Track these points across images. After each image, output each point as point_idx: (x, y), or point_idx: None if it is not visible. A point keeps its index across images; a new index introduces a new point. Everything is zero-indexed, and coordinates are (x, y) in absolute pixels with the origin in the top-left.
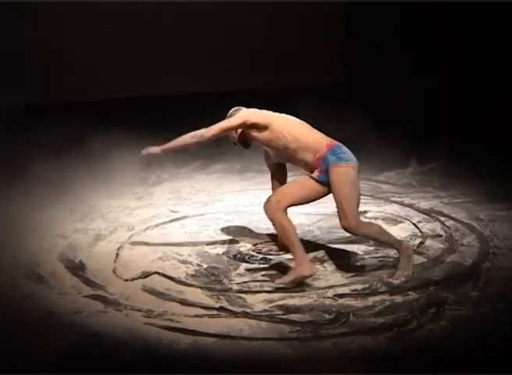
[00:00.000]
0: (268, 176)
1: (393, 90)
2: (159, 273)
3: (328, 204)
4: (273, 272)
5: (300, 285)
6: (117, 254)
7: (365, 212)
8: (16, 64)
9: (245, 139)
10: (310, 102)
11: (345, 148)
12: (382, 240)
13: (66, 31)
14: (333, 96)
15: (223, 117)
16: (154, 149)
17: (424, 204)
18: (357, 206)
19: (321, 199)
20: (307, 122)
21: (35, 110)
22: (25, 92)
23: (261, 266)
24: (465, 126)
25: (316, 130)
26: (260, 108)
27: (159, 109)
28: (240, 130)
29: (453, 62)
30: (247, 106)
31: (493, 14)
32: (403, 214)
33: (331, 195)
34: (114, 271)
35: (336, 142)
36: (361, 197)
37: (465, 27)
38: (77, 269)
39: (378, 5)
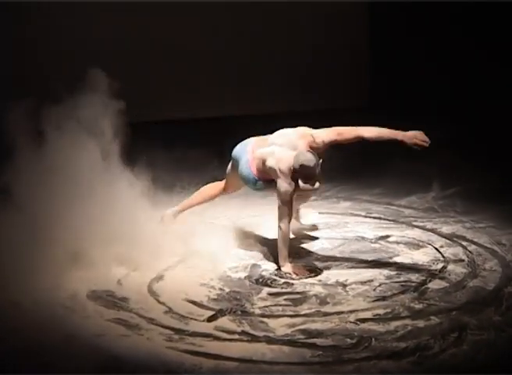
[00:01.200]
0: None
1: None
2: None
3: (350, 228)
4: (295, 296)
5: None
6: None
7: (387, 236)
8: None
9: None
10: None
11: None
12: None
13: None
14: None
15: None
16: None
17: (446, 228)
18: None
19: (344, 224)
20: None
21: None
22: None
23: (283, 290)
24: (488, 149)
25: None
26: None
27: None
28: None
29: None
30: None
31: None
32: (426, 238)
33: (354, 221)
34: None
35: None
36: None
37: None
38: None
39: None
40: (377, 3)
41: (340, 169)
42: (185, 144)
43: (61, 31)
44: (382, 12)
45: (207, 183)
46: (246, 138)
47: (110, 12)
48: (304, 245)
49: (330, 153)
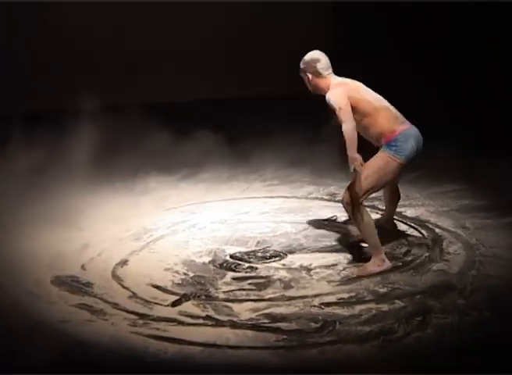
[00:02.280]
0: (255, 184)
1: None
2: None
3: (313, 212)
4: (260, 281)
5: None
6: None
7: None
8: None
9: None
10: None
11: (401, 142)
12: (364, 235)
13: None
14: None
15: None
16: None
17: (410, 212)
18: (369, 193)
19: (308, 207)
20: None
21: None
22: None
23: (248, 274)
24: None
25: (392, 108)
26: None
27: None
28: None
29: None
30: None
31: None
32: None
33: (316, 205)
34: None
35: (396, 133)
36: None
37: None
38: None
39: None
40: None
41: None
42: None
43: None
44: None
45: None
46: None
47: None
48: (267, 230)
49: None
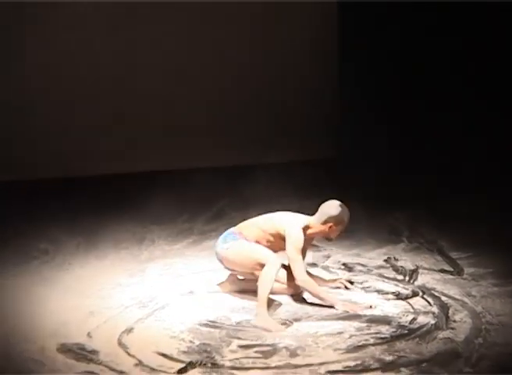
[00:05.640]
0: None
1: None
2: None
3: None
4: (265, 348)
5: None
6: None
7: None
8: None
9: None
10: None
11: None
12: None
13: None
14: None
15: None
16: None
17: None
18: None
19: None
20: None
21: None
22: None
23: (254, 342)
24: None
25: None
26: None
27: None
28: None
29: None
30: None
31: None
32: (395, 290)
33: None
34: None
35: None
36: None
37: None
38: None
39: None
40: None
41: None
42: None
43: None
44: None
45: None
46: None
47: None
48: (274, 297)
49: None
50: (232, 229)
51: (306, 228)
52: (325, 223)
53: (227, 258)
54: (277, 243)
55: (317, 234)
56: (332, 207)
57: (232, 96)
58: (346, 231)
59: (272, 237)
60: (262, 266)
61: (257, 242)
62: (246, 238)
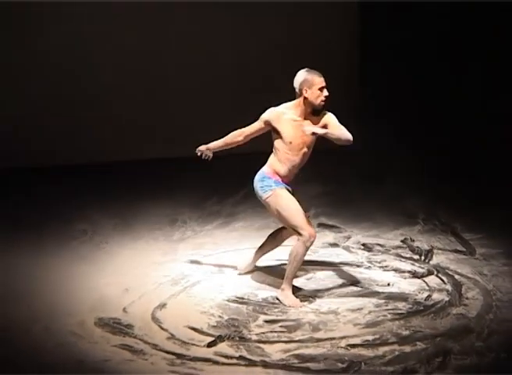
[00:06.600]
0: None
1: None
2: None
3: (343, 256)
4: (290, 323)
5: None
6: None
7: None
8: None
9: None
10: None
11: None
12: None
13: None
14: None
15: None
16: (203, 147)
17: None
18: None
19: (339, 255)
20: None
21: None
22: None
23: (279, 317)
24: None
25: None
26: None
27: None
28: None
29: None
30: None
31: None
32: (411, 269)
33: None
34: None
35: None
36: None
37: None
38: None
39: None
40: None
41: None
42: None
43: None
44: None
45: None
46: None
47: None
48: (298, 274)
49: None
50: (264, 168)
51: (291, 112)
52: (300, 93)
53: (268, 206)
54: (298, 145)
55: (307, 110)
56: (297, 76)
57: (257, 94)
58: (327, 91)
59: (291, 148)
60: (296, 231)
61: (287, 161)
62: (279, 173)
